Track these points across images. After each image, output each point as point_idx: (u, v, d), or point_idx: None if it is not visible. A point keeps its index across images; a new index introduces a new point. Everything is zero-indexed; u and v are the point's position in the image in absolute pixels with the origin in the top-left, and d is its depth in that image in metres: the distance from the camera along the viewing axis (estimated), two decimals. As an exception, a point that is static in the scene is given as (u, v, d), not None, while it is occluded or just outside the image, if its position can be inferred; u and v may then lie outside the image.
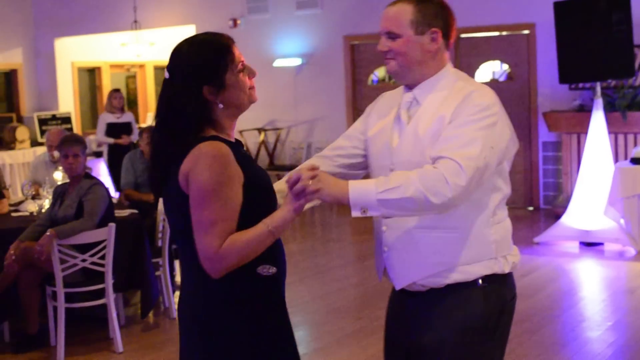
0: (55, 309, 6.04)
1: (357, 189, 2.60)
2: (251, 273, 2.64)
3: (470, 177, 2.60)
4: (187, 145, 2.58)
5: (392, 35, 2.87)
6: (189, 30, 14.96)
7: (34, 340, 6.17)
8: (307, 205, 2.68)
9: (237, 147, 2.70)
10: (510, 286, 2.93)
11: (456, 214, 2.76)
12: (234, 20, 13.93)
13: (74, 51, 16.42)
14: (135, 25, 14.79)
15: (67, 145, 6.21)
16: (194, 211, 2.55)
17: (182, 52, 2.67)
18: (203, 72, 2.63)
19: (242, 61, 2.71)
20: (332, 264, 8.71)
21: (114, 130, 11.73)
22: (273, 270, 2.69)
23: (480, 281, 2.84)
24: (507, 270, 2.89)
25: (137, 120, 13.78)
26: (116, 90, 12.20)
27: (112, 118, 11.78)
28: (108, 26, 15.53)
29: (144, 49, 16.01)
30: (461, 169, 2.59)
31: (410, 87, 2.92)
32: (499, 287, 2.88)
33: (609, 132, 9.67)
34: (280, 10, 13.65)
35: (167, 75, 2.69)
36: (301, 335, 6.46)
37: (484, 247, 2.83)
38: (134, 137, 11.71)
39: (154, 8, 14.98)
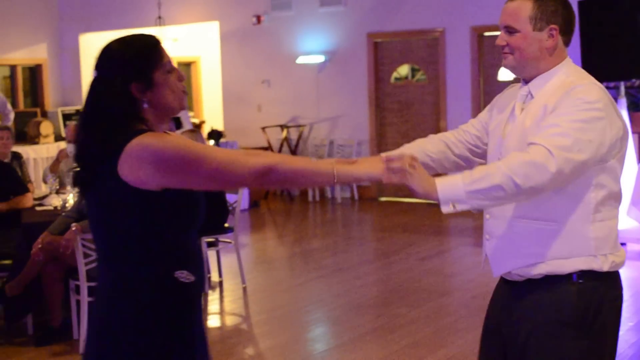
0: (78, 302, 6.08)
1: (446, 184, 2.65)
2: (168, 276, 2.59)
3: (561, 165, 2.61)
4: (115, 145, 2.51)
5: (511, 30, 2.93)
6: (213, 27, 15.02)
7: (56, 333, 6.22)
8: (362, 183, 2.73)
9: None
10: (611, 285, 2.90)
11: (555, 206, 2.80)
12: (258, 17, 13.96)
13: (98, 46, 16.39)
14: (159, 21, 14.84)
15: None
16: (191, 177, 2.51)
17: (111, 49, 2.66)
18: (131, 69, 2.60)
19: (170, 61, 2.68)
20: (353, 261, 8.72)
21: None
22: (191, 278, 2.62)
23: (576, 276, 2.83)
24: (605, 269, 2.84)
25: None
26: None
27: None
28: (132, 22, 15.60)
29: (167, 45, 15.97)
30: (551, 155, 2.60)
31: (527, 81, 2.99)
32: (597, 284, 2.85)
33: (633, 132, 9.62)
34: (304, 7, 13.66)
35: (95, 73, 2.66)
36: (321, 332, 6.48)
37: (582, 243, 2.82)
38: (182, 131, 11.42)
39: (178, 4, 15.03)
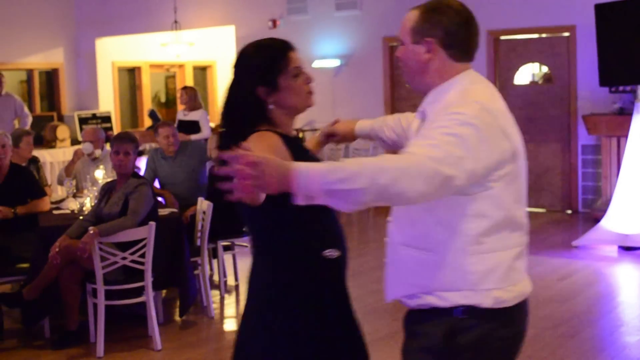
0: (95, 306, 6.11)
1: (303, 173, 2.32)
2: (319, 256, 2.93)
3: (430, 176, 2.37)
4: (242, 139, 2.76)
5: (399, 41, 2.81)
6: (229, 31, 15.05)
7: (73, 336, 6.25)
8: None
9: (294, 140, 2.92)
10: (501, 324, 2.66)
11: (434, 236, 2.62)
12: (274, 21, 13.98)
13: (115, 51, 16.57)
14: (176, 25, 14.89)
15: (120, 142, 6.27)
16: None
17: (244, 54, 2.97)
18: (258, 73, 2.90)
19: (298, 66, 2.91)
20: (368, 266, 8.71)
21: (180, 127, 11.19)
22: (337, 253, 2.97)
23: (459, 312, 2.63)
24: (486, 305, 2.61)
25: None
26: (183, 88, 12.05)
27: (181, 115, 11.67)
28: (148, 26, 15.66)
29: (183, 49, 16.10)
30: (424, 164, 2.42)
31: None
32: (478, 322, 2.63)
33: (650, 136, 9.58)
34: (320, 11, 13.68)
35: (233, 74, 2.99)
36: (337, 336, 6.48)
37: (461, 276, 2.62)
38: (201, 135, 11.29)
39: (194, 8, 15.08)
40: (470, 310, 2.62)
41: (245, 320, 3.08)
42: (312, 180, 2.30)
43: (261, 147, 2.72)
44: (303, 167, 2.32)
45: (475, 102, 2.58)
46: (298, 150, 2.90)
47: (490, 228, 2.60)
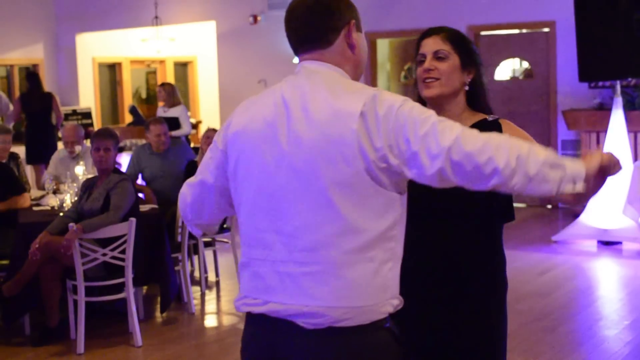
0: (75, 302, 6.09)
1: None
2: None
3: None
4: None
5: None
6: (209, 27, 15.03)
7: (54, 333, 6.23)
8: None
9: None
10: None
11: None
12: (254, 17, 13.97)
13: (95, 46, 16.51)
14: (156, 21, 14.86)
15: (100, 139, 6.25)
16: None
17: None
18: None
19: (424, 53, 3.02)
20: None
21: None
22: None
23: None
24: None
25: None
26: (160, 85, 11.94)
27: (161, 112, 11.53)
28: (129, 22, 15.61)
29: (164, 45, 16.07)
30: None
31: None
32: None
33: (629, 131, 9.63)
34: (300, 6, 13.63)
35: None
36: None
37: None
38: (181, 132, 11.07)
39: (174, 4, 15.04)
40: None
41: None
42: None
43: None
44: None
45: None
46: None
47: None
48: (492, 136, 2.22)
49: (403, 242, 2.42)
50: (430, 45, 2.99)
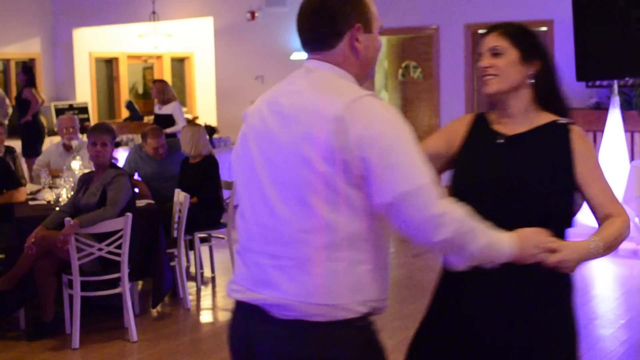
0: (71, 297, 6.08)
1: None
2: None
3: None
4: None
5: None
6: (207, 22, 15.00)
7: (49, 327, 6.23)
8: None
9: None
10: None
11: None
12: (252, 13, 13.94)
13: (92, 41, 16.48)
14: (153, 16, 14.83)
15: (97, 134, 6.23)
16: None
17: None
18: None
19: (480, 52, 2.97)
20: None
21: (156, 121, 10.99)
22: None
23: None
24: None
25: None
26: (153, 82, 11.85)
27: (156, 109, 11.45)
28: (126, 17, 15.58)
29: (161, 41, 16.05)
30: None
31: None
32: None
33: (625, 131, 9.64)
34: (298, 3, 13.55)
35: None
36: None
37: None
38: (175, 128, 10.88)
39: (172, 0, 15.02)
40: None
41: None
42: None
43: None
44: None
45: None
46: None
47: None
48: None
49: (387, 251, 2.46)
50: (487, 42, 2.96)
